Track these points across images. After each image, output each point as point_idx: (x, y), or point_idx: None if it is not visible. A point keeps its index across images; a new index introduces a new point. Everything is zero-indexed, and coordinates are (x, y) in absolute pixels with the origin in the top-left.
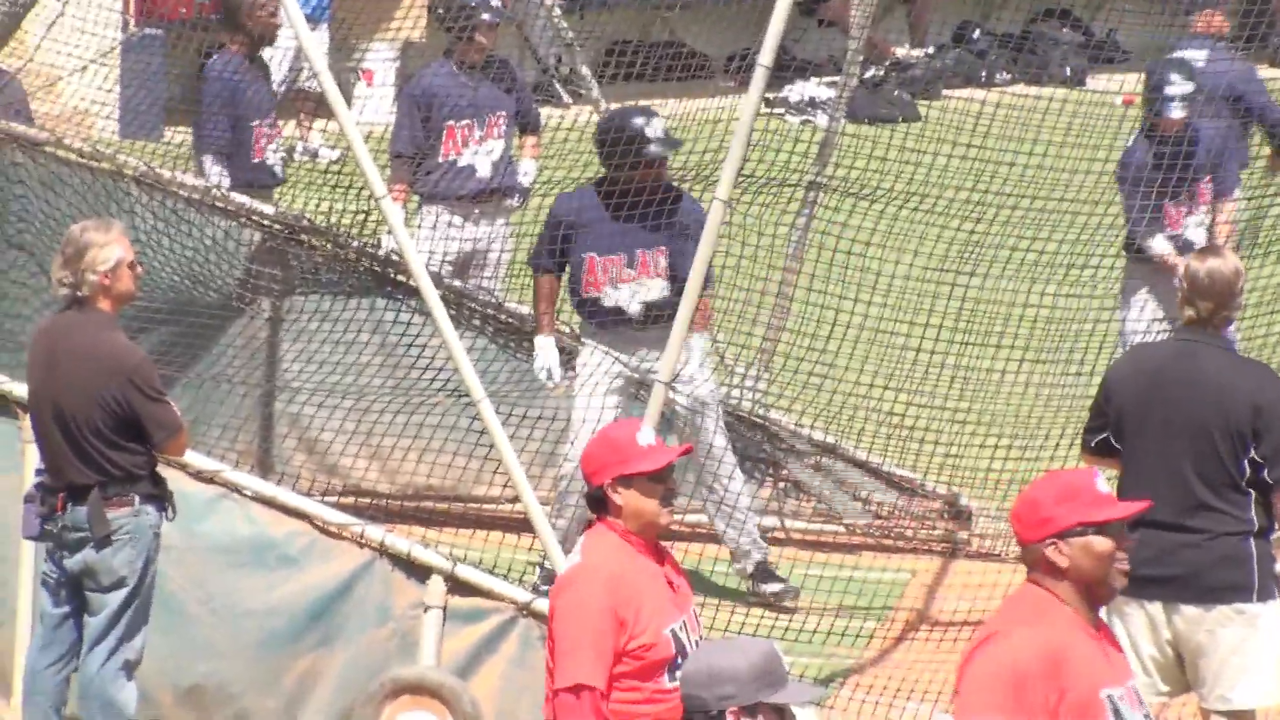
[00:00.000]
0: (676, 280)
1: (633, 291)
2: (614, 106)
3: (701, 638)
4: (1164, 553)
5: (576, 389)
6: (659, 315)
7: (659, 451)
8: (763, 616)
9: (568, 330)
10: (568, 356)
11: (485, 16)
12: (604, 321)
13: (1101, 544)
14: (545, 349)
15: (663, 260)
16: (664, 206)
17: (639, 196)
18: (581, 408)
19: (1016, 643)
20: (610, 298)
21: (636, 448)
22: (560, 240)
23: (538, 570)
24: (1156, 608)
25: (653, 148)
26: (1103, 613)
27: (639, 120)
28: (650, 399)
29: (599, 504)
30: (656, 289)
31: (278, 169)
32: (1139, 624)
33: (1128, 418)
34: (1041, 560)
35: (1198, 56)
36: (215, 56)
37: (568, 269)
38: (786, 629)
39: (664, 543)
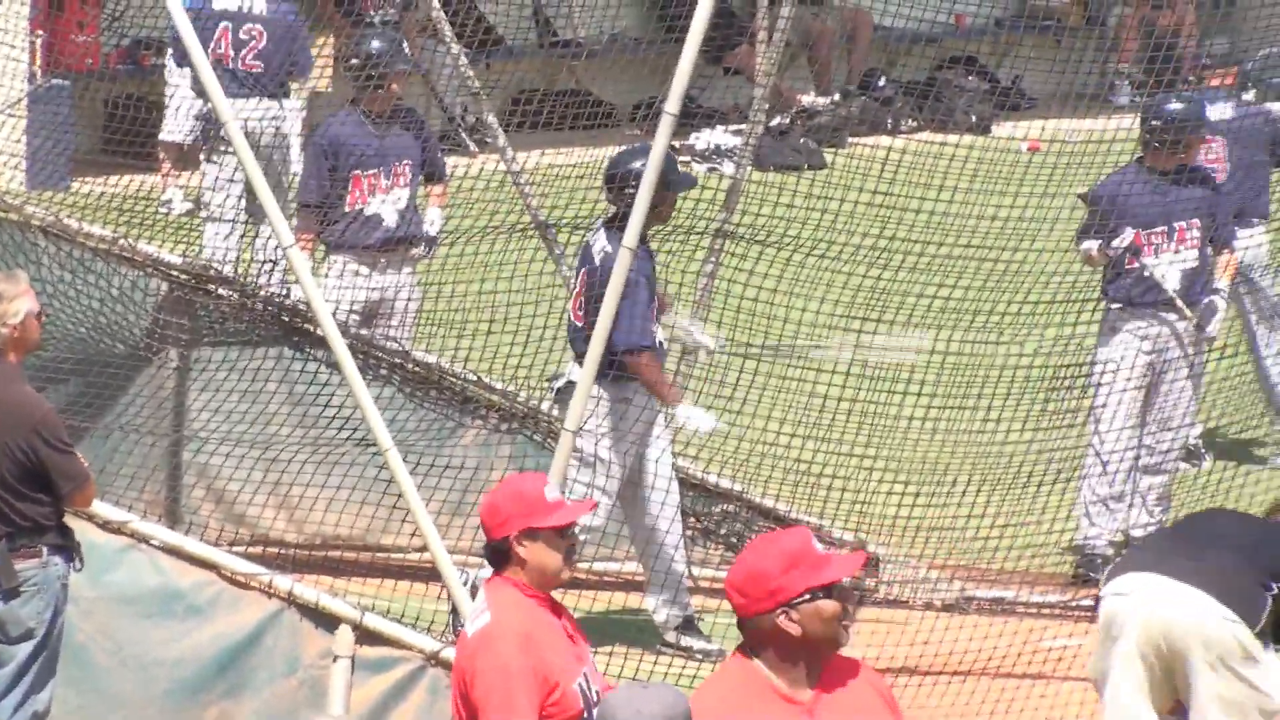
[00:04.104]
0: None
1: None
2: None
3: (602, 689)
4: None
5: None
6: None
7: (565, 507)
8: (670, 664)
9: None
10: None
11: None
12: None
13: (830, 607)
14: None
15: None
16: None
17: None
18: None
19: None
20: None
21: (544, 502)
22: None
23: (448, 619)
24: None
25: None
26: None
27: (639, 163)
28: (558, 448)
29: (499, 556)
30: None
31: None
32: None
33: None
34: (770, 630)
35: (1222, 111)
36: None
37: None
38: (695, 675)
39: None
